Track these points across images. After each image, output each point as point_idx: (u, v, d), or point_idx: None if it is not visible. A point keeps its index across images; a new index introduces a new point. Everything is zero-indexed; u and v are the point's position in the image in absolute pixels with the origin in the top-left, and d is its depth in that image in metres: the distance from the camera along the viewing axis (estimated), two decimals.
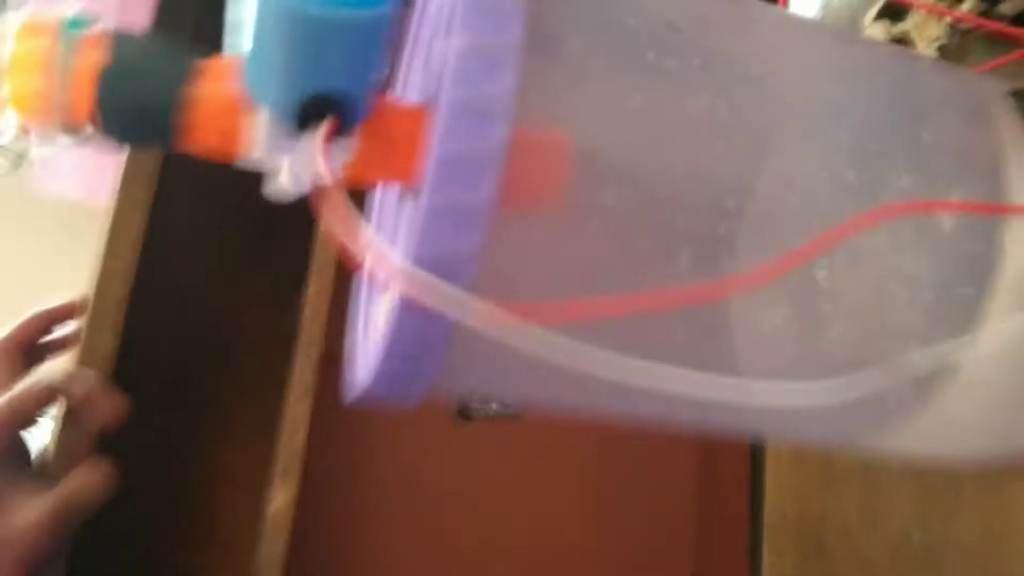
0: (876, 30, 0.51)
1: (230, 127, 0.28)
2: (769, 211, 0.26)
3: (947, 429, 0.33)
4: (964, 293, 0.29)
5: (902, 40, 0.50)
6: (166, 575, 0.70)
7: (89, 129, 0.27)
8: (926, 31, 0.47)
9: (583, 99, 0.25)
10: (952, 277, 0.28)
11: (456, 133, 0.22)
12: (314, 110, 0.25)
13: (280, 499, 0.67)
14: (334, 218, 0.24)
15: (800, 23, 0.30)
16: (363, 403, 0.29)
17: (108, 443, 0.56)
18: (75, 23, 0.27)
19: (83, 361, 0.58)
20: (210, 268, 0.75)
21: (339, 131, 0.27)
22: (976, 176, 0.29)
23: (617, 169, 0.26)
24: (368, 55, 0.25)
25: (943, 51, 0.47)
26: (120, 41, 0.27)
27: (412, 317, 0.24)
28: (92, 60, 0.26)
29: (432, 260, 0.23)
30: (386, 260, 0.23)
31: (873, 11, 0.52)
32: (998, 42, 0.43)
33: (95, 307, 0.59)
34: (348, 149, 0.28)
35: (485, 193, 0.23)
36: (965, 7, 0.42)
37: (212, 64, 0.28)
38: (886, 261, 0.28)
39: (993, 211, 0.27)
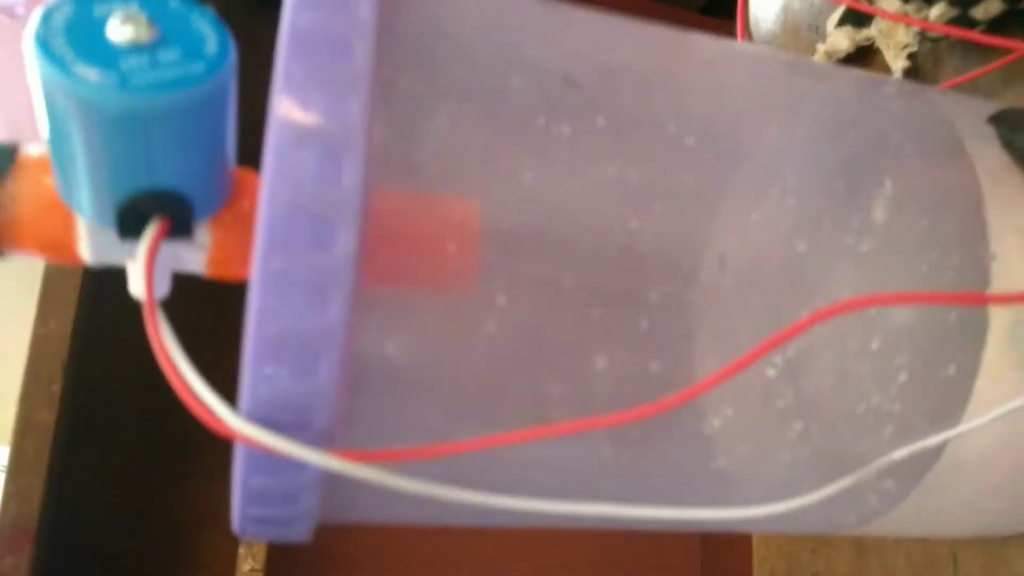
0: (839, 37, 0.46)
1: (56, 230, 0.23)
2: (702, 297, 0.22)
3: (937, 515, 0.28)
4: (945, 373, 0.24)
5: (868, 47, 0.45)
6: None
7: None
8: (894, 38, 0.42)
9: (459, 184, 0.20)
10: (930, 356, 0.24)
11: (284, 249, 0.18)
12: (134, 214, 0.21)
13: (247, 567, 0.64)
14: (156, 346, 0.19)
15: (734, 57, 0.26)
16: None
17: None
18: None
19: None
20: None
21: (177, 230, 0.22)
22: (950, 232, 0.24)
23: (512, 259, 0.21)
24: (198, 145, 0.21)
25: (913, 59, 0.42)
26: None
27: (257, 468, 0.19)
28: None
29: (266, 403, 0.18)
30: (213, 409, 0.18)
31: (836, 16, 0.47)
32: (974, 48, 0.38)
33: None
34: (201, 245, 0.23)
35: (335, 315, 0.18)
36: (934, 13, 0.37)
37: (33, 157, 0.23)
38: (848, 344, 0.23)
39: (968, 303, 0.23)
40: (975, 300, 0.22)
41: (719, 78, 0.24)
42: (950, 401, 0.25)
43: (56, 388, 0.59)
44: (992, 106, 0.30)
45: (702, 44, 0.25)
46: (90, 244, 0.22)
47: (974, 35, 0.34)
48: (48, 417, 0.59)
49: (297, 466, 0.19)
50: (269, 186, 0.18)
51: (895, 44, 0.43)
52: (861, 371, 0.23)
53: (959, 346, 0.24)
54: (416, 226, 0.22)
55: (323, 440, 0.19)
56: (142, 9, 0.20)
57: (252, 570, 0.62)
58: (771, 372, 0.23)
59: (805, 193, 0.22)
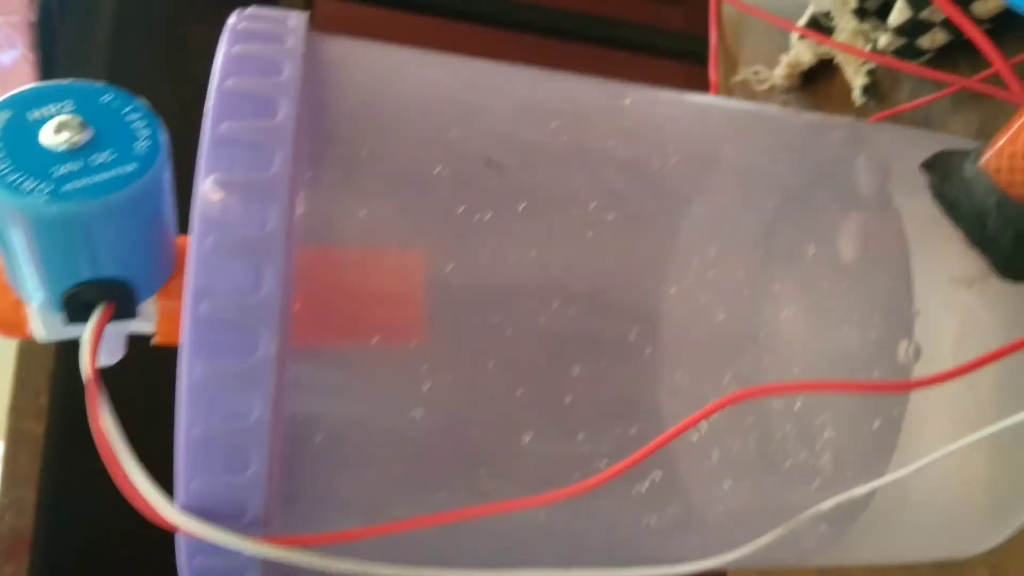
0: (802, 49, 0.47)
1: (7, 312, 0.24)
2: (628, 367, 0.23)
3: (874, 551, 0.29)
4: (869, 428, 0.25)
5: (828, 62, 0.46)
6: None
7: None
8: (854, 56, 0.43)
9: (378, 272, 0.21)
10: (854, 413, 0.25)
11: (209, 351, 0.19)
12: (79, 302, 0.22)
13: None
14: (95, 431, 0.21)
15: (670, 117, 0.26)
16: None
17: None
18: None
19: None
20: None
21: (122, 312, 0.23)
22: (875, 290, 0.25)
23: (439, 331, 0.22)
24: (137, 233, 0.22)
25: (873, 75, 0.43)
26: None
27: (198, 550, 0.20)
28: None
29: (207, 498, 0.19)
30: (150, 499, 0.20)
31: (795, 36, 0.47)
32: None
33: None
34: (148, 316, 0.24)
35: (260, 413, 0.19)
36: (882, 42, 0.37)
37: None
38: (772, 406, 0.24)
39: (882, 391, 0.23)
40: (887, 388, 0.23)
41: (645, 145, 0.25)
42: (876, 452, 0.25)
43: (44, 400, 0.60)
44: (936, 142, 0.30)
45: (636, 103, 0.26)
46: (40, 325, 0.23)
47: (912, 67, 0.34)
48: (37, 428, 0.60)
49: (231, 551, 0.20)
50: (191, 291, 0.19)
51: (855, 62, 0.43)
52: (785, 430, 0.24)
53: (883, 402, 0.25)
54: (359, 278, 0.23)
55: (257, 526, 0.20)
56: (76, 111, 0.21)
57: None
58: (695, 437, 0.23)
59: (725, 264, 0.23)
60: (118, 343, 0.26)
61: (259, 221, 0.19)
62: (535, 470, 0.22)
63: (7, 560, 0.58)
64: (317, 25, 0.24)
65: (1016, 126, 0.26)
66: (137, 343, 0.26)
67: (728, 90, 0.52)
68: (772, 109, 0.32)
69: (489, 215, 0.21)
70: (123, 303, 0.23)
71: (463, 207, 0.21)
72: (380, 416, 0.21)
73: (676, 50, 1.12)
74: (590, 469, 0.23)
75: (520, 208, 0.22)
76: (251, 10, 0.22)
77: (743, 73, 0.49)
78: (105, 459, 0.20)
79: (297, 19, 0.22)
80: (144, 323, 0.24)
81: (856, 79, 0.43)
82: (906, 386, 0.23)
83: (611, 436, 0.23)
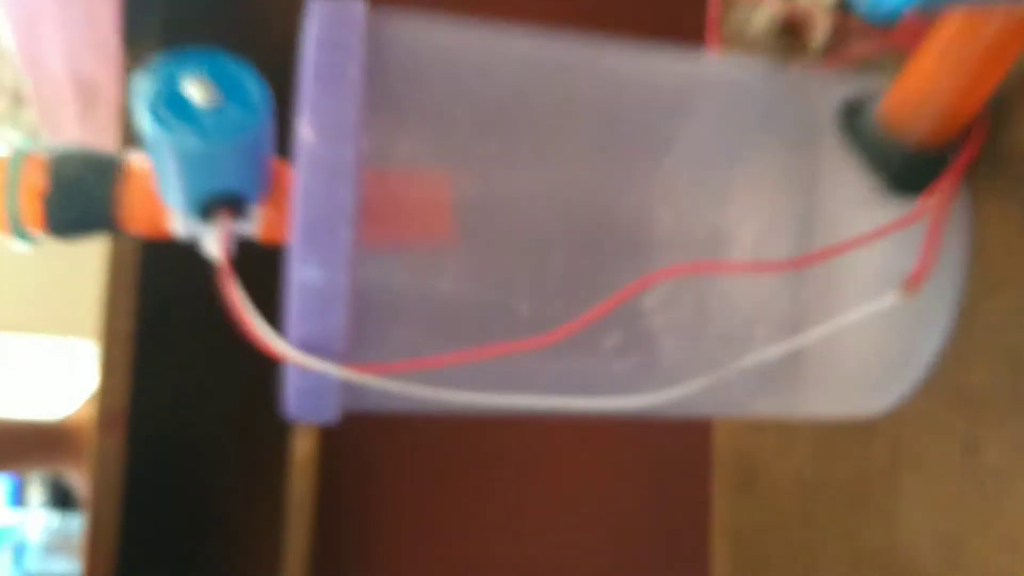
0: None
1: (155, 217, 0.34)
2: (623, 254, 0.32)
3: (793, 404, 0.39)
4: (783, 302, 0.34)
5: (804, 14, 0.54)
6: None
7: (40, 234, 0.33)
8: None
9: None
10: (771, 291, 0.34)
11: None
12: (211, 207, 0.31)
13: None
14: (229, 297, 0.30)
15: (644, 69, 0.35)
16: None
17: None
18: (19, 153, 0.33)
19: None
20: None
21: (238, 214, 0.33)
22: (789, 212, 0.34)
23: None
24: (251, 160, 0.31)
25: (832, 28, 0.51)
26: (57, 162, 0.33)
27: (301, 374, 0.30)
28: (35, 182, 0.32)
29: (305, 339, 0.29)
30: (268, 339, 0.29)
31: None
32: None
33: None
34: (254, 220, 0.34)
35: (341, 275, 0.29)
36: None
37: (134, 164, 0.34)
38: (709, 284, 0.33)
39: (786, 269, 0.32)
40: (791, 267, 0.32)
41: (622, 96, 0.33)
42: (790, 322, 0.35)
43: (131, 300, 0.70)
44: (865, 88, 0.39)
45: (615, 63, 0.35)
46: (180, 224, 0.33)
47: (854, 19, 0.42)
48: (127, 325, 0.71)
49: (322, 374, 0.30)
50: (297, 198, 0.28)
51: (821, 14, 0.51)
52: (715, 303, 0.34)
53: (793, 282, 0.34)
54: (404, 191, 0.33)
55: (338, 358, 0.30)
56: (208, 72, 0.30)
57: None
58: (647, 306, 0.33)
59: (690, 191, 0.32)
60: (232, 241, 0.36)
61: (338, 153, 0.28)
62: (530, 331, 0.32)
63: (107, 434, 0.70)
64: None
65: (904, 72, 0.34)
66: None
67: (727, 25, 0.59)
68: (734, 65, 0.41)
69: (500, 148, 0.31)
70: (239, 209, 0.32)
71: (480, 144, 0.31)
72: (418, 287, 0.31)
73: None
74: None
75: (525, 143, 0.31)
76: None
77: (735, 15, 0.57)
78: (236, 317, 0.30)
79: (358, 4, 0.31)
80: (252, 225, 0.34)
81: (816, 32, 0.51)
82: (786, 266, 0.32)
83: (586, 307, 0.32)
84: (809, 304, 0.35)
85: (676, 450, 0.74)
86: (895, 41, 0.41)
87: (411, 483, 0.79)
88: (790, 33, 0.55)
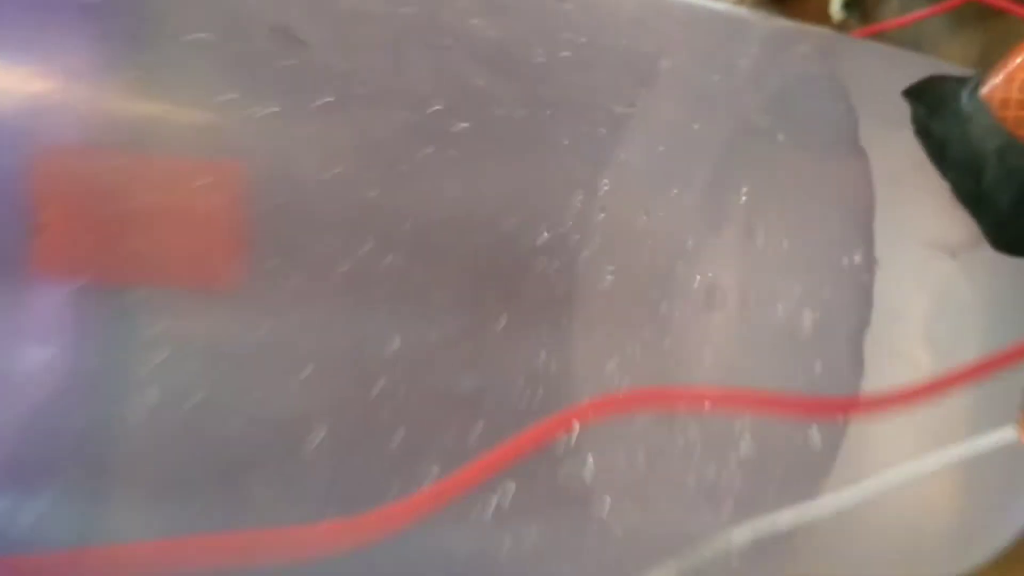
0: None
1: None
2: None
3: None
4: (801, 439, 0.19)
5: None
6: None
7: None
8: None
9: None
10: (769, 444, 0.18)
11: None
12: None
13: None
14: None
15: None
16: None
17: None
18: None
19: None
20: None
21: None
22: (825, 259, 0.18)
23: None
24: None
25: None
26: None
27: None
28: None
29: None
30: None
31: None
32: None
33: None
34: None
35: None
36: None
37: None
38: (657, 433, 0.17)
39: (813, 413, 0.17)
40: (819, 409, 0.17)
41: (527, 29, 0.18)
42: (807, 470, 0.19)
43: None
44: (926, 66, 0.24)
45: None
46: None
47: None
48: None
49: None
50: None
51: None
52: (688, 437, 0.18)
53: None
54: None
55: None
56: None
57: None
58: (563, 442, 0.17)
59: (624, 207, 0.16)
60: None
61: None
62: (328, 479, 0.16)
63: None
64: None
65: None
66: None
67: None
68: (725, 6, 0.25)
69: (271, 109, 0.14)
70: None
71: (231, 94, 0.14)
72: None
73: None
74: (413, 478, 0.16)
75: (320, 102, 0.15)
76: None
77: None
78: None
79: None
80: None
81: None
82: (848, 407, 0.17)
83: (443, 435, 0.16)
84: (839, 433, 0.20)
85: None
86: None
87: None
88: None
